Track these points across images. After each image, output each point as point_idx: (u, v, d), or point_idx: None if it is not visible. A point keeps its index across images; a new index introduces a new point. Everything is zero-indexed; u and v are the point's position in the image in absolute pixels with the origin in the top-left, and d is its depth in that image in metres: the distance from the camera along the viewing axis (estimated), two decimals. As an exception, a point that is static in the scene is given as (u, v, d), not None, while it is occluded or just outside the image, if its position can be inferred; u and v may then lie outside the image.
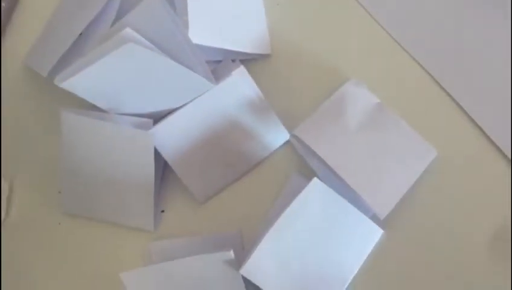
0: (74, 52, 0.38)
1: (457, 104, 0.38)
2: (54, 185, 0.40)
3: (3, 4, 0.42)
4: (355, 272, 0.34)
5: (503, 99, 0.38)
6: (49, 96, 0.40)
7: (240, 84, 0.37)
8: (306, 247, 0.34)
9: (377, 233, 0.35)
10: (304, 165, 0.38)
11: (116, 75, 0.34)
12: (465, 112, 0.38)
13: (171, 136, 0.37)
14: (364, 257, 0.34)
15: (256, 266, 0.34)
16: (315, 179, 0.34)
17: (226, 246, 0.35)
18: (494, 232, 0.36)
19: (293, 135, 0.37)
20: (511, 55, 0.38)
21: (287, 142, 0.39)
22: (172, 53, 0.34)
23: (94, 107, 0.36)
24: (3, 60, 0.43)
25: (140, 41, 0.32)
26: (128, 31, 0.32)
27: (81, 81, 0.34)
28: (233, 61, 0.39)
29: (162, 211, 0.39)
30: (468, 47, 0.39)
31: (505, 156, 0.37)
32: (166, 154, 0.37)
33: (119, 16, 0.37)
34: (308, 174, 0.37)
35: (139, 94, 0.35)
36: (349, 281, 0.34)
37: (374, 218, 0.35)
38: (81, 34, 0.38)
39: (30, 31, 0.42)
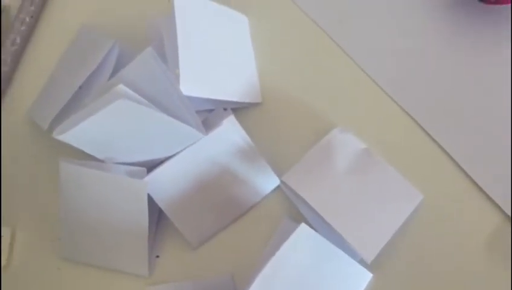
0: (74, 104, 0.40)
1: (442, 148, 0.39)
2: (54, 232, 0.41)
3: (7, 58, 0.45)
4: (345, 316, 0.35)
5: (487, 143, 0.38)
6: (49, 146, 0.42)
7: (230, 132, 0.38)
8: (296, 291, 0.35)
9: (366, 277, 0.36)
10: (294, 209, 0.39)
11: (111, 128, 0.35)
12: (450, 156, 0.38)
13: (164, 184, 0.38)
14: (354, 301, 0.35)
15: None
16: (302, 225, 0.35)
17: (219, 290, 0.36)
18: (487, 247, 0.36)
19: (282, 181, 0.38)
20: (511, 101, 0.39)
21: (278, 188, 0.40)
22: (163, 105, 0.36)
23: (91, 157, 0.38)
24: (7, 112, 0.45)
25: (132, 97, 0.34)
26: (120, 87, 0.34)
27: (77, 134, 0.35)
28: (225, 109, 0.40)
29: (157, 257, 0.40)
30: (454, 93, 0.40)
31: (490, 198, 0.37)
32: (160, 202, 0.38)
33: (116, 69, 0.39)
34: (299, 218, 0.38)
35: (133, 145, 0.37)
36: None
37: (363, 262, 0.35)
38: (80, 86, 0.40)
39: (33, 85, 0.44)
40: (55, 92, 0.42)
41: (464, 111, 0.39)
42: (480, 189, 0.38)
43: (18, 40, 0.45)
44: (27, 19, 0.46)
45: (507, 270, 0.36)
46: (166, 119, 0.35)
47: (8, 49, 0.45)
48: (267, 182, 0.39)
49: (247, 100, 0.41)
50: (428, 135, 0.39)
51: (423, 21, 0.42)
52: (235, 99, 0.40)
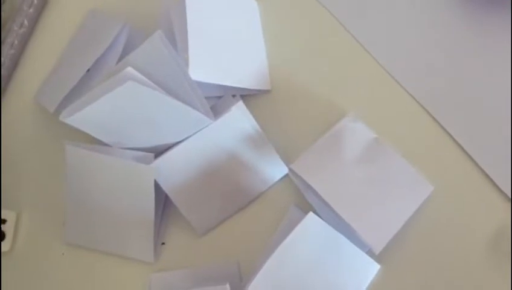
0: (81, 88, 0.39)
1: (454, 139, 0.38)
2: (59, 217, 0.41)
3: (15, 41, 0.44)
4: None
5: (501, 136, 0.38)
6: (56, 131, 0.42)
7: (239, 119, 0.38)
8: (302, 281, 0.34)
9: (373, 268, 0.35)
10: (302, 198, 0.38)
11: (118, 111, 0.35)
12: (462, 148, 0.38)
13: (171, 170, 0.37)
14: (361, 292, 0.35)
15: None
16: (310, 214, 0.35)
17: (224, 278, 0.36)
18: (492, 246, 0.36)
19: (290, 169, 0.37)
20: (511, 92, 0.38)
21: (286, 176, 0.39)
22: (172, 90, 0.35)
23: (98, 141, 0.38)
24: (14, 95, 0.44)
25: (140, 80, 0.34)
26: (129, 70, 0.33)
27: (84, 117, 0.35)
28: (233, 96, 0.40)
29: (163, 243, 0.39)
30: (465, 83, 0.39)
31: (503, 193, 0.37)
32: (166, 188, 0.38)
33: (125, 53, 0.39)
34: (307, 207, 0.37)
35: (141, 129, 0.37)
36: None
37: (371, 253, 0.35)
38: (88, 70, 0.40)
39: (41, 69, 0.44)
40: (62, 75, 0.41)
41: (478, 103, 0.39)
42: (493, 183, 0.37)
43: (26, 23, 0.45)
44: (35, 1, 0.45)
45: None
46: (174, 103, 0.34)
47: (16, 31, 0.45)
48: (275, 170, 0.39)
49: (256, 87, 0.41)
50: (441, 126, 0.39)
51: (436, 11, 0.41)
52: (244, 86, 0.40)
